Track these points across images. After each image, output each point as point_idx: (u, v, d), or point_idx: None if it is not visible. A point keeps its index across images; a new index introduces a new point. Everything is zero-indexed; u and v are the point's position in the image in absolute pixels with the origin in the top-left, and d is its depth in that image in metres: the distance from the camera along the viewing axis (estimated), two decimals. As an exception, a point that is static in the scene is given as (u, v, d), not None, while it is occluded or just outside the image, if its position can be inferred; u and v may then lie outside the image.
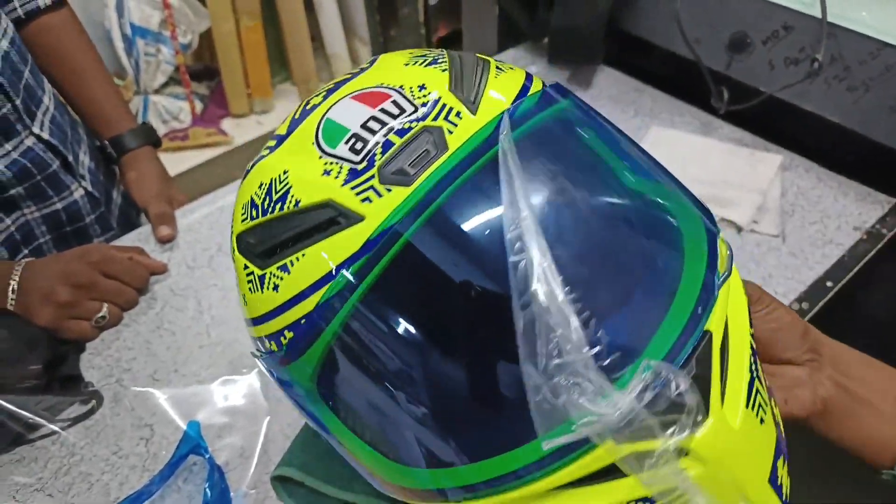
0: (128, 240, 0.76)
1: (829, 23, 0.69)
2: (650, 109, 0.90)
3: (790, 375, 0.41)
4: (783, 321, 0.41)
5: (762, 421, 0.31)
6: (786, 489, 0.32)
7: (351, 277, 0.30)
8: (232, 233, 0.37)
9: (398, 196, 0.30)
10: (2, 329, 0.56)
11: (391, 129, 0.32)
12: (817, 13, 0.70)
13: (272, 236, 0.32)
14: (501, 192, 0.29)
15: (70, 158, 0.74)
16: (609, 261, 0.32)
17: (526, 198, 0.29)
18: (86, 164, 0.79)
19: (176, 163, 1.99)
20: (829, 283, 0.67)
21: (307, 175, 0.32)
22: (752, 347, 0.32)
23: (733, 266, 0.34)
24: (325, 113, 0.34)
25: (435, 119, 0.32)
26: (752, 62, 0.79)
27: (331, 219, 0.31)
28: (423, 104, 0.32)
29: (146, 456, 0.57)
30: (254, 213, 0.34)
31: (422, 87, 0.33)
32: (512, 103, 0.33)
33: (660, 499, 0.28)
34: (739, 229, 0.73)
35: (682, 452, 0.28)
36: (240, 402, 0.60)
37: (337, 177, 0.31)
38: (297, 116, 0.36)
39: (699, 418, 0.27)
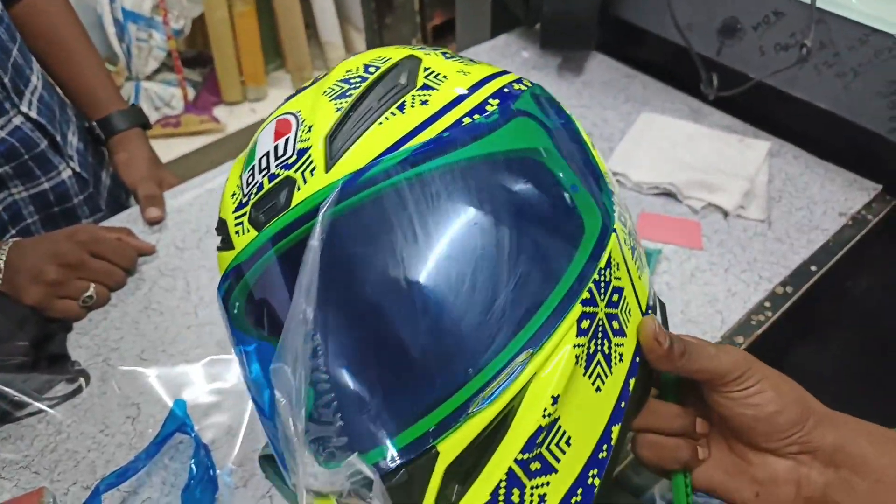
0: (116, 221, 0.76)
1: (819, 8, 0.70)
2: (641, 96, 0.90)
3: (768, 469, 0.36)
4: (763, 410, 0.35)
5: None
6: None
7: (224, 293, 0.37)
8: None
9: (250, 237, 0.34)
10: (-12, 306, 0.56)
11: (268, 172, 0.34)
12: (807, -1, 0.70)
13: (217, 230, 0.38)
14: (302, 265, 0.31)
15: (58, 138, 0.74)
16: (373, 363, 0.33)
17: (313, 280, 0.31)
18: (74, 145, 0.78)
19: (168, 150, 1.99)
20: (813, 268, 0.68)
21: (227, 190, 0.38)
22: (510, 472, 0.31)
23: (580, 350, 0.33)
24: (261, 132, 0.37)
25: (297, 170, 0.33)
26: (742, 48, 0.79)
27: (224, 238, 0.36)
28: (301, 149, 0.34)
29: (133, 434, 0.57)
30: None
31: (309, 129, 0.34)
32: (371, 161, 0.32)
33: None
34: (726, 214, 0.73)
35: None
36: (227, 381, 0.60)
37: (234, 202, 0.36)
38: (270, 117, 0.39)
39: None
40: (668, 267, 0.69)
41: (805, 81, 0.75)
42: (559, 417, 0.32)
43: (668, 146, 0.81)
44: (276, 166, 0.34)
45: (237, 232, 0.35)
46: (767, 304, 0.65)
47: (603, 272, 0.34)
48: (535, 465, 0.31)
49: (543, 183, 0.34)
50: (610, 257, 0.35)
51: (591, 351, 0.33)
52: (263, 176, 0.34)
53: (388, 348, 0.32)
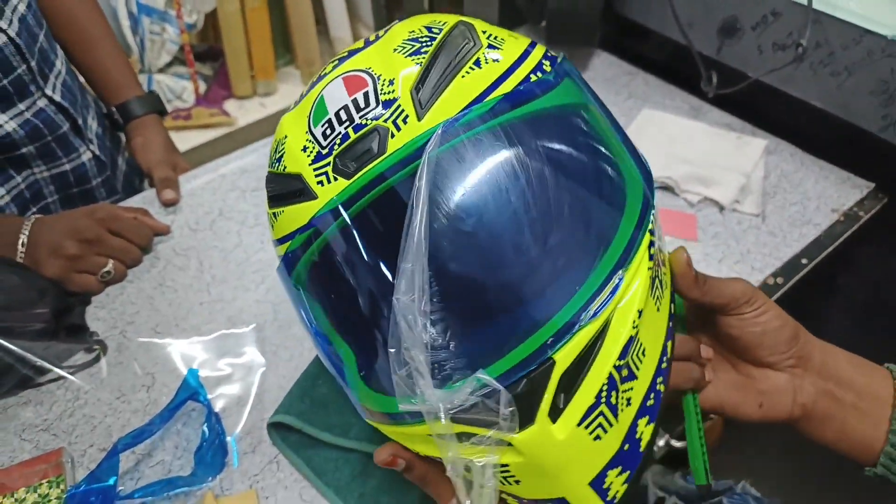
0: (133, 202, 0.79)
1: (815, 9, 0.72)
2: (643, 93, 0.92)
3: (770, 381, 0.42)
4: (769, 326, 0.41)
5: (597, 438, 0.35)
6: (614, 494, 0.37)
7: (301, 243, 0.38)
8: None
9: (340, 185, 0.36)
10: (14, 276, 0.58)
11: (352, 123, 0.36)
12: (805, 0, 0.72)
13: (272, 187, 0.40)
14: (410, 201, 0.33)
15: (80, 122, 0.77)
16: (484, 286, 0.35)
17: (424, 215, 0.33)
18: (94, 129, 0.81)
19: (179, 142, 2.01)
20: (804, 261, 0.70)
21: (294, 146, 0.38)
22: (610, 379, 0.35)
23: (648, 299, 0.37)
24: (323, 89, 0.39)
25: (387, 120, 0.36)
26: (741, 47, 0.81)
27: (299, 189, 0.37)
28: (386, 101, 0.36)
29: (147, 402, 0.60)
30: (269, 161, 0.41)
31: (391, 83, 0.37)
32: (462, 109, 0.35)
33: (456, 470, 0.35)
34: (722, 208, 0.76)
35: (504, 443, 0.34)
36: (237, 354, 0.63)
37: (309, 155, 0.37)
38: (314, 79, 0.41)
39: (514, 423, 0.33)
40: (664, 256, 0.71)
41: (801, 80, 0.77)
42: (639, 330, 0.36)
43: (667, 142, 0.83)
44: (361, 117, 0.36)
45: (320, 182, 0.36)
46: (758, 293, 0.67)
47: (654, 212, 0.39)
48: (625, 372, 0.36)
49: (597, 129, 0.39)
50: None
51: (653, 275, 0.37)
52: (346, 127, 0.36)
53: (505, 272, 0.35)
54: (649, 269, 0.37)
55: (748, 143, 0.82)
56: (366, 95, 0.36)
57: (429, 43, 0.38)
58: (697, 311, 0.45)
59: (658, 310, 0.38)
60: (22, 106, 0.70)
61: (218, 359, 0.63)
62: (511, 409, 0.33)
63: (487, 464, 0.34)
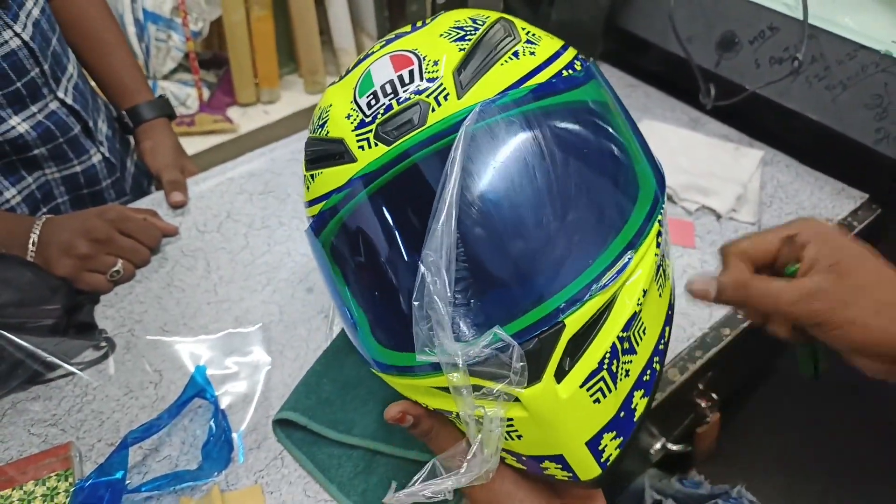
0: (142, 204, 0.80)
1: (811, 25, 0.74)
2: (643, 104, 0.94)
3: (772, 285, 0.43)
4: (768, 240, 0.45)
5: (597, 401, 0.38)
6: (608, 456, 0.39)
7: (337, 202, 0.41)
8: None
9: (380, 151, 0.39)
10: (28, 272, 0.60)
11: (395, 96, 0.40)
12: (801, 15, 0.74)
13: (312, 150, 0.44)
14: (445, 169, 0.36)
15: (91, 125, 0.78)
16: (507, 252, 0.38)
17: (457, 181, 0.36)
18: (104, 132, 0.83)
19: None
20: (800, 268, 0.71)
21: (338, 113, 0.42)
22: (613, 349, 0.38)
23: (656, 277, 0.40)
24: (371, 64, 0.42)
25: (429, 95, 0.39)
26: (739, 60, 0.83)
27: (340, 152, 0.41)
28: (430, 79, 0.39)
29: (155, 398, 0.61)
30: (311, 127, 0.45)
31: (436, 63, 0.40)
32: (499, 93, 0.39)
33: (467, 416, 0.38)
34: (719, 216, 0.77)
35: (513, 398, 0.37)
36: (243, 353, 0.64)
37: (352, 122, 0.41)
38: (361, 57, 0.45)
39: (523, 378, 0.36)
40: (663, 263, 0.72)
41: (797, 93, 0.79)
42: (642, 309, 0.39)
43: (667, 152, 0.85)
44: (405, 91, 0.39)
45: (361, 147, 0.39)
46: (755, 300, 0.68)
47: (663, 209, 0.42)
48: (626, 345, 0.39)
49: (618, 126, 0.43)
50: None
51: (659, 263, 0.41)
52: (390, 99, 0.39)
53: (526, 242, 0.38)
54: (655, 255, 0.40)
55: (745, 153, 0.84)
56: (411, 73, 0.40)
57: (473, 32, 0.41)
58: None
59: (660, 296, 0.42)
60: (35, 108, 0.71)
61: (224, 357, 0.64)
62: (522, 363, 0.35)
63: (496, 415, 0.37)
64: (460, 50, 0.40)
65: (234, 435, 0.58)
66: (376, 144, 0.39)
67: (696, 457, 0.75)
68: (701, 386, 0.72)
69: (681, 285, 0.70)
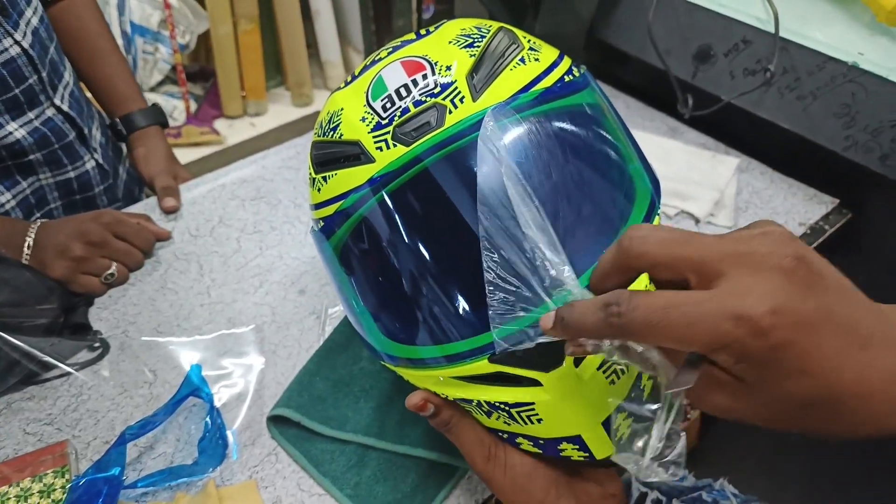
0: (135, 209, 0.82)
1: (782, 38, 0.78)
2: (624, 114, 0.97)
3: None
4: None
5: (612, 382, 0.40)
6: (620, 436, 0.40)
7: (356, 201, 0.42)
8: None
9: (399, 151, 0.41)
10: (26, 272, 0.61)
11: (412, 99, 0.41)
12: (773, 29, 0.78)
13: (323, 153, 0.45)
14: (480, 160, 0.38)
15: (85, 131, 0.79)
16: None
17: (509, 158, 0.38)
18: (98, 139, 0.84)
19: (168, 159, 2.04)
20: (775, 269, 0.74)
21: (352, 116, 0.43)
22: None
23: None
24: (381, 70, 0.44)
25: (445, 98, 0.41)
26: (715, 72, 0.87)
27: (356, 154, 0.42)
28: (443, 84, 0.41)
29: (150, 397, 0.62)
30: (319, 131, 0.46)
31: (448, 68, 0.42)
32: (511, 96, 0.41)
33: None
34: (697, 221, 0.80)
35: (536, 383, 0.39)
36: (237, 353, 0.66)
37: (368, 125, 0.42)
38: (367, 63, 0.46)
39: (544, 365, 0.38)
40: (644, 265, 0.75)
41: (770, 103, 0.83)
42: None
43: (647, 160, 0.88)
44: (421, 94, 0.41)
45: (379, 148, 0.41)
46: (732, 300, 0.71)
47: (658, 212, 0.44)
48: None
49: (616, 129, 0.46)
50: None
51: None
52: (406, 102, 0.41)
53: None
54: None
55: (722, 161, 0.88)
56: (424, 77, 0.42)
57: (480, 39, 0.44)
58: None
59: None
60: (31, 114, 0.73)
61: (218, 357, 0.65)
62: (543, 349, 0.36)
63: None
64: (471, 56, 0.42)
65: (229, 432, 0.59)
66: (395, 145, 0.41)
67: (678, 453, 0.77)
68: (682, 384, 0.74)
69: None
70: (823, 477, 0.96)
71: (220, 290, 0.72)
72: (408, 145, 0.40)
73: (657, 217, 0.44)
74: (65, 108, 0.76)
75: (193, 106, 2.17)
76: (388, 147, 0.41)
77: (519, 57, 0.43)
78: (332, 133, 0.44)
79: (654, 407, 0.33)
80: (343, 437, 0.57)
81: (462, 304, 0.41)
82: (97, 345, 0.65)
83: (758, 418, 0.29)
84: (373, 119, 0.42)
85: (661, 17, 0.89)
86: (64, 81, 0.78)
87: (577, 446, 0.41)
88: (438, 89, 0.41)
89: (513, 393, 0.40)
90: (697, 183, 0.84)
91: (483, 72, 0.42)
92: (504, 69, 0.42)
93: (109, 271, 0.70)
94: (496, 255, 0.36)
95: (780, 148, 0.87)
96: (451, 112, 0.40)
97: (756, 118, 0.85)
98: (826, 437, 0.28)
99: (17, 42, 0.68)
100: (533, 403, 0.40)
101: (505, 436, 0.44)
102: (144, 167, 0.86)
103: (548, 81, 0.43)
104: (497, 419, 0.43)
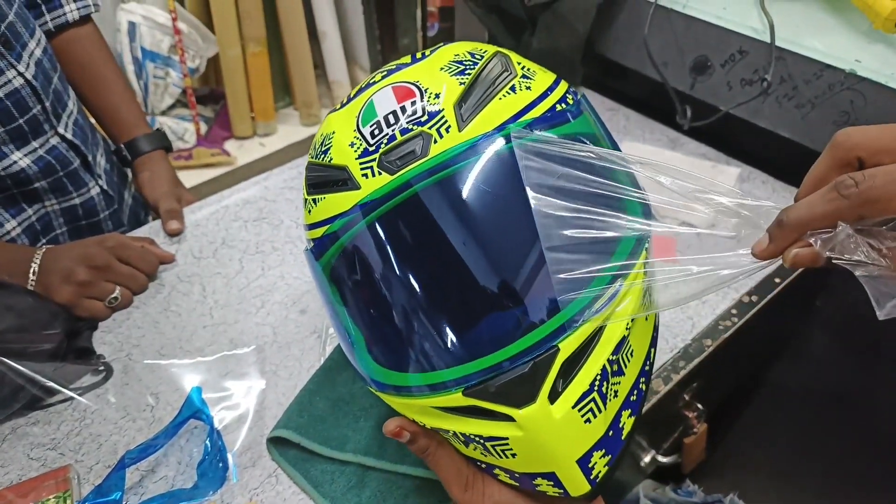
0: (140, 233, 0.83)
1: (779, 47, 0.77)
2: (623, 127, 0.97)
3: None
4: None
5: (587, 421, 0.40)
6: (597, 474, 0.41)
7: (340, 227, 0.43)
8: None
9: (384, 180, 0.41)
10: (29, 298, 0.62)
11: (399, 126, 0.41)
12: (769, 39, 0.78)
13: (315, 175, 0.45)
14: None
15: (90, 158, 0.81)
16: (511, 277, 0.40)
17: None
18: (102, 165, 0.86)
19: (181, 180, 2.07)
20: (777, 280, 0.74)
21: (342, 140, 0.43)
22: (603, 371, 0.40)
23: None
24: (373, 94, 0.44)
25: (431, 127, 0.41)
26: (712, 83, 0.86)
27: (343, 179, 0.42)
28: (431, 112, 0.41)
29: (152, 420, 0.62)
30: (312, 152, 0.47)
31: (437, 95, 0.42)
32: (496, 127, 0.41)
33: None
34: (699, 232, 0.80)
35: (509, 418, 0.39)
36: (238, 374, 0.66)
37: (356, 150, 0.42)
38: (363, 85, 0.46)
39: (517, 401, 0.38)
40: (645, 278, 0.75)
41: (768, 112, 0.82)
42: (630, 333, 0.41)
43: (647, 171, 0.88)
44: (408, 122, 0.41)
45: (365, 175, 0.41)
46: (734, 311, 0.71)
47: (650, 238, 0.44)
48: (615, 367, 0.41)
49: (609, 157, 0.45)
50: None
51: (646, 289, 0.42)
52: (394, 130, 0.41)
53: (526, 266, 0.40)
54: (643, 282, 0.41)
55: (722, 171, 0.87)
56: (413, 104, 0.42)
57: (472, 66, 0.43)
58: None
59: (646, 319, 0.44)
60: (36, 143, 0.74)
61: (220, 379, 0.66)
62: (516, 386, 0.38)
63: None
64: (460, 84, 0.42)
65: (229, 454, 0.59)
66: (380, 173, 0.41)
67: (684, 467, 0.76)
68: (687, 397, 0.73)
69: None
70: (837, 491, 0.94)
71: (222, 311, 0.73)
72: (392, 173, 0.40)
73: (646, 245, 0.43)
74: (69, 136, 0.77)
75: (204, 128, 2.20)
76: (373, 175, 0.41)
77: (510, 85, 0.43)
78: (323, 156, 0.44)
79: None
80: (343, 457, 0.57)
81: (442, 334, 0.40)
82: (101, 368, 0.66)
83: None
84: (361, 145, 0.42)
85: (657, 30, 0.89)
86: (68, 110, 0.79)
87: (552, 482, 0.41)
88: (426, 117, 0.41)
89: (487, 427, 0.40)
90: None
91: (471, 101, 0.42)
92: (493, 98, 0.42)
93: (113, 295, 0.71)
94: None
95: (780, 157, 0.86)
96: (436, 141, 0.40)
97: (755, 128, 0.84)
98: None
99: (20, 73, 0.70)
100: (507, 438, 0.40)
101: (483, 465, 0.44)
102: (149, 191, 0.87)
103: (538, 111, 0.42)
104: (474, 449, 0.43)
